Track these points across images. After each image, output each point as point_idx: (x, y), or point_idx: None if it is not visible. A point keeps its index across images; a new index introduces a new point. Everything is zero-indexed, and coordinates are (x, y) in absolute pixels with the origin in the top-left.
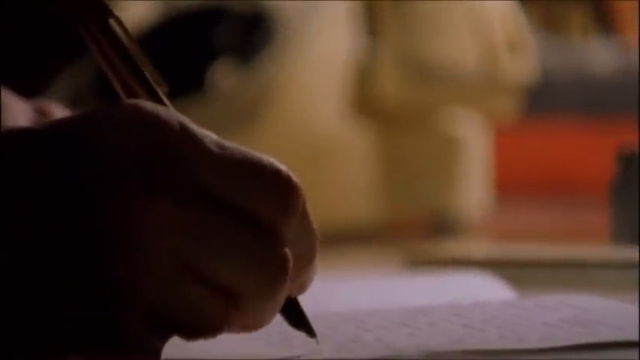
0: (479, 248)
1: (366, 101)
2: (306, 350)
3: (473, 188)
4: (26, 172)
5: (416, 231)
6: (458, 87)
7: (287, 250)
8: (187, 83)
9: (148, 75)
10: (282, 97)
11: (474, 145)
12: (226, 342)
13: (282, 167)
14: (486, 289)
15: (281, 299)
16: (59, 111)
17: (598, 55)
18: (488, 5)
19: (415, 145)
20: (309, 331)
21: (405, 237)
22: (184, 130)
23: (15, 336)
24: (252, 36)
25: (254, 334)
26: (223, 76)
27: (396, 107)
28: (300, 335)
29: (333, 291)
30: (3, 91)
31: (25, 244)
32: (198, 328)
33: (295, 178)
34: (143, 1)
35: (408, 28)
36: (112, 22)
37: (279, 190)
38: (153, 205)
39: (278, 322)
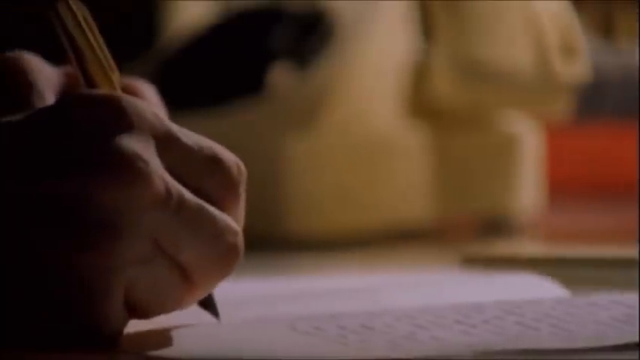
0: (531, 248)
1: (420, 102)
2: (360, 347)
3: (526, 188)
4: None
5: (469, 230)
6: (511, 88)
7: (240, 236)
8: (245, 85)
9: (103, 62)
10: (338, 98)
11: (527, 146)
12: (282, 338)
13: (237, 159)
14: (539, 289)
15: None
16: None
17: None
18: (541, 6)
19: (469, 146)
20: (214, 312)
21: (459, 236)
22: (160, 120)
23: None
24: (309, 37)
25: (308, 330)
26: (281, 77)
27: (450, 107)
28: (357, 332)
29: (386, 289)
30: (32, 56)
31: (15, 237)
32: (154, 307)
33: (243, 167)
34: (201, 2)
35: (462, 29)
36: (61, 6)
37: (235, 180)
38: (140, 185)
39: (336, 316)
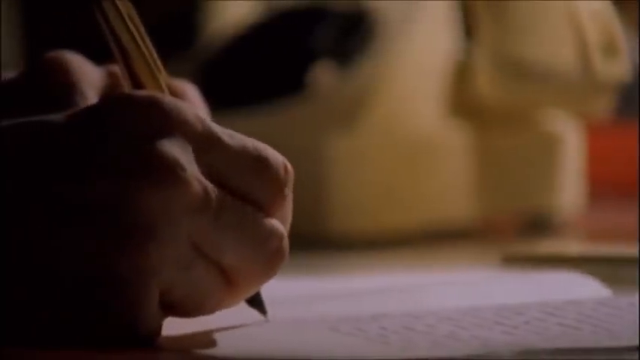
0: (573, 246)
1: (463, 101)
2: (402, 346)
3: (567, 187)
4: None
5: (511, 229)
6: (553, 87)
7: (285, 238)
8: (287, 84)
9: (149, 60)
10: (381, 98)
11: (568, 145)
12: (323, 338)
13: (284, 159)
14: (580, 287)
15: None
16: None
17: None
18: (582, 5)
19: (511, 145)
20: (262, 310)
21: (501, 235)
22: (202, 122)
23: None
24: (352, 36)
25: (350, 331)
26: (323, 76)
27: (492, 106)
28: (398, 332)
29: (428, 288)
30: (75, 55)
31: (56, 236)
32: (194, 307)
33: (290, 167)
34: (243, 2)
35: (504, 28)
36: (106, 3)
37: (281, 180)
38: (177, 190)
39: (378, 317)
